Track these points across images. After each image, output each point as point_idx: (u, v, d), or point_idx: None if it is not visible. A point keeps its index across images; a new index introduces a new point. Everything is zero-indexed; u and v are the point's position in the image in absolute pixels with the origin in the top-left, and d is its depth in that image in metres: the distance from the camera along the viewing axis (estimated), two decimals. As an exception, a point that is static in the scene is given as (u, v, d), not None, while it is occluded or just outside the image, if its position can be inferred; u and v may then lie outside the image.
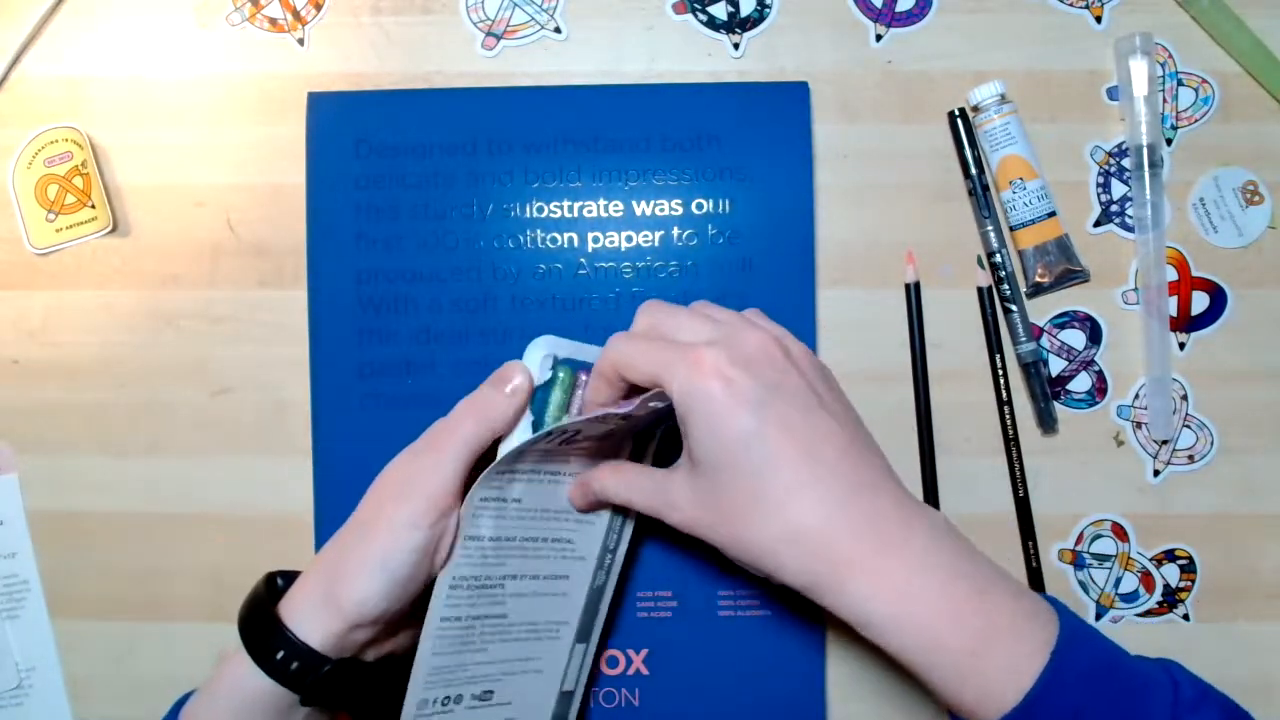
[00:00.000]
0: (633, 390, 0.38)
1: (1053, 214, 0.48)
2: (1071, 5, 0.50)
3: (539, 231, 0.48)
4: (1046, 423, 0.49)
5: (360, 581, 0.36)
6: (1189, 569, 0.49)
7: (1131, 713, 0.33)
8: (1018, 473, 0.49)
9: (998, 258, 0.49)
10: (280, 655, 0.36)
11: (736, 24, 0.50)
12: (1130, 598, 0.49)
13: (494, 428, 0.38)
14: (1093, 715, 0.32)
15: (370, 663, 0.39)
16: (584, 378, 0.41)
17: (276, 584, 0.39)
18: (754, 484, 0.33)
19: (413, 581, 0.37)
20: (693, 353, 0.34)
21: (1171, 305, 0.49)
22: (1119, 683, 0.33)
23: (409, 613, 0.39)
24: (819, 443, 0.34)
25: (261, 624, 0.37)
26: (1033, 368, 0.48)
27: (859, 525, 0.33)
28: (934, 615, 0.32)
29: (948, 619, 0.32)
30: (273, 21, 0.50)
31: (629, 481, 0.39)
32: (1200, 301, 0.49)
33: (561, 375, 0.40)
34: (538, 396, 0.40)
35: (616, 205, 0.48)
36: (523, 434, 0.39)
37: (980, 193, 0.49)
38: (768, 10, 0.50)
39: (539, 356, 0.39)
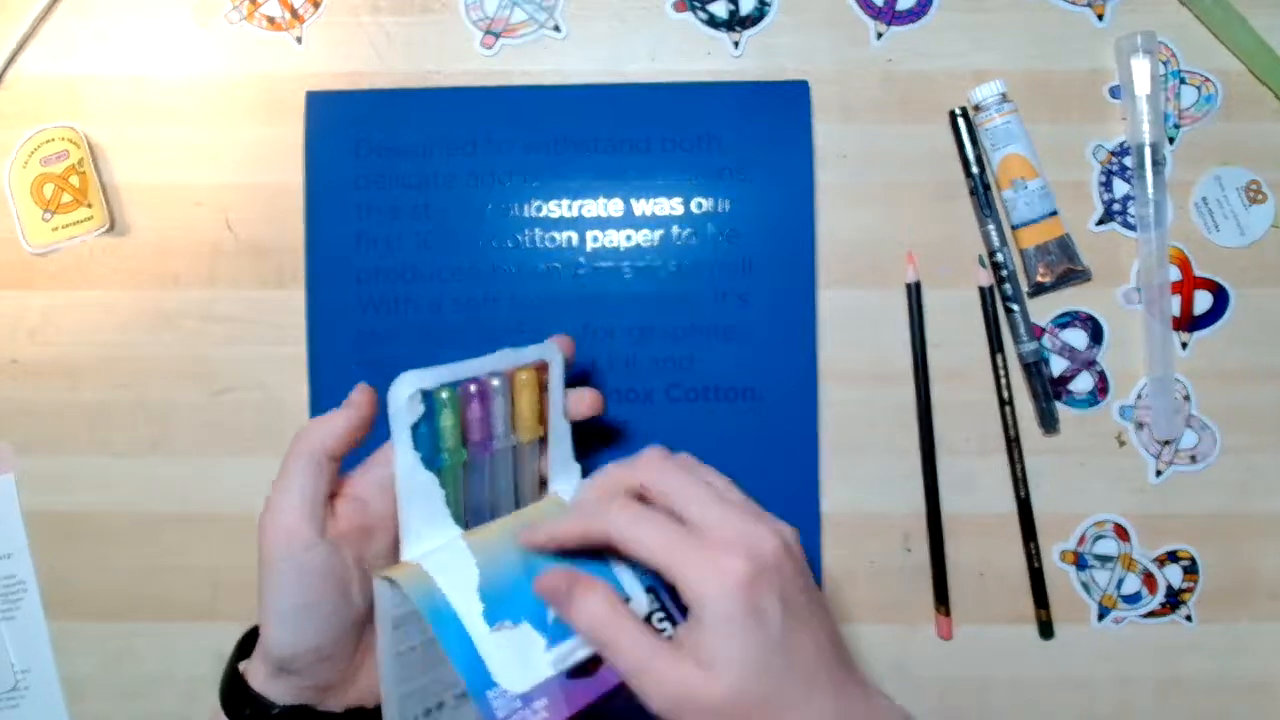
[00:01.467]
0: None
1: (1054, 213, 0.48)
2: (1073, 3, 0.49)
3: (539, 231, 0.48)
4: (1048, 423, 0.49)
5: (269, 623, 0.36)
6: (1191, 570, 0.49)
7: None
8: (1019, 473, 0.48)
9: (999, 257, 0.48)
10: (244, 710, 0.37)
11: (736, 23, 0.50)
12: (1132, 599, 0.49)
13: (325, 436, 0.37)
14: None
15: (336, 713, 0.38)
16: (474, 388, 0.38)
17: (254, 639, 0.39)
18: (767, 693, 0.33)
19: (321, 612, 0.36)
20: (720, 560, 0.33)
21: (1174, 305, 0.49)
22: None
23: (357, 650, 0.38)
24: (818, 656, 0.35)
25: (228, 678, 0.38)
26: (1034, 367, 0.48)
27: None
28: None
29: None
30: (271, 20, 0.50)
31: (620, 626, 0.35)
32: (1203, 301, 0.49)
33: (445, 395, 0.37)
34: (422, 433, 0.36)
35: (616, 205, 0.48)
36: (428, 504, 0.37)
37: (981, 192, 0.48)
38: (768, 9, 0.50)
39: (404, 396, 0.36)
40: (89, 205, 0.49)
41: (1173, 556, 0.49)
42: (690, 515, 0.35)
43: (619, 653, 0.35)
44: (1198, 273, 0.49)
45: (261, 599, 0.36)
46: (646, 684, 0.34)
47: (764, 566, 0.34)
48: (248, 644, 0.39)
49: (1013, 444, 0.48)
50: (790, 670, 0.34)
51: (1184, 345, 0.49)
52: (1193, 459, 0.49)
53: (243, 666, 0.37)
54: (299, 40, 0.50)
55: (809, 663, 0.34)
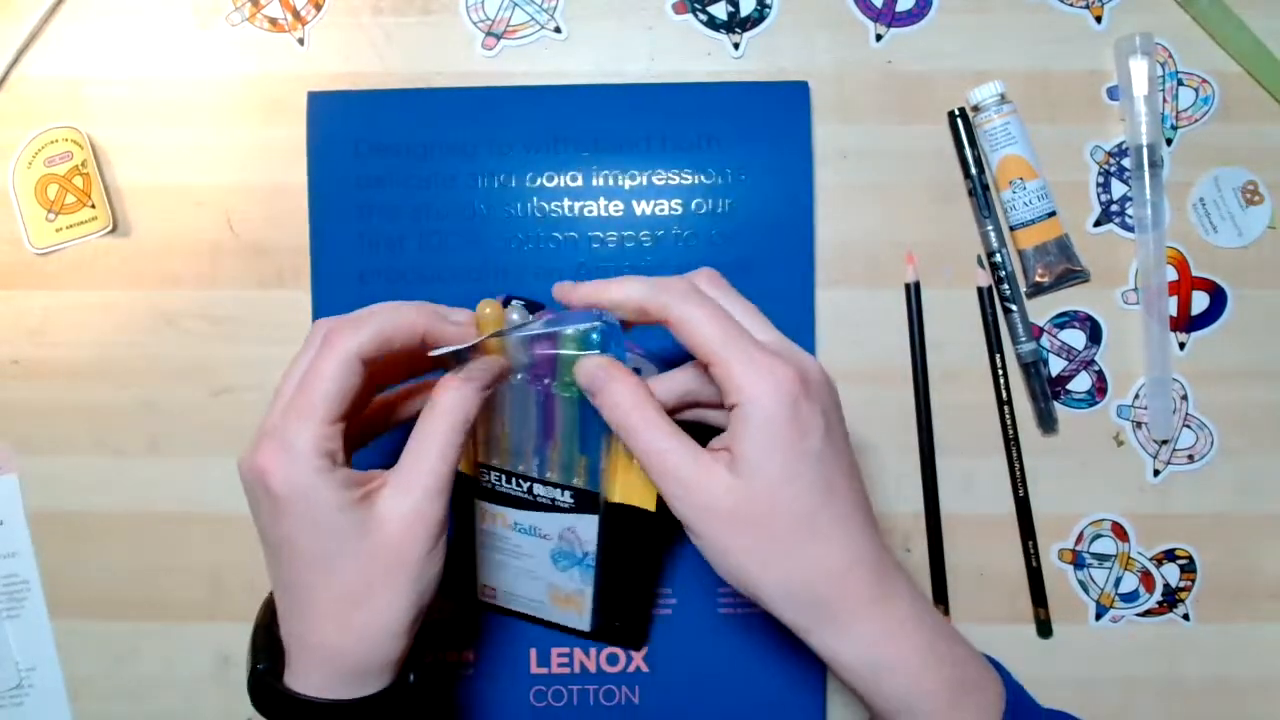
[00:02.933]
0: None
1: (1053, 214, 0.48)
2: (1072, 5, 0.50)
3: (539, 231, 0.48)
4: (1046, 423, 0.49)
5: (368, 637, 0.33)
6: (1189, 569, 0.49)
7: None
8: (1018, 473, 0.49)
9: (998, 258, 0.49)
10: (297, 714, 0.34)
11: (736, 24, 0.50)
12: (1130, 597, 0.49)
13: (469, 404, 0.36)
14: None
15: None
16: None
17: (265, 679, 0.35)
18: (801, 509, 0.33)
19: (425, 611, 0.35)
20: (774, 365, 0.33)
21: (1171, 305, 0.49)
22: None
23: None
24: (853, 480, 0.35)
25: (265, 689, 0.34)
26: (1033, 368, 0.48)
27: (876, 567, 0.34)
28: (923, 663, 0.33)
29: (933, 668, 0.34)
30: (273, 21, 0.50)
31: (642, 416, 0.35)
32: (1200, 301, 0.49)
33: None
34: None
35: (616, 205, 0.48)
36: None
37: (980, 193, 0.49)
38: (768, 10, 0.50)
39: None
40: (92, 206, 0.49)
41: (1170, 555, 0.49)
42: (745, 325, 0.35)
43: (638, 442, 0.34)
44: (1195, 273, 0.49)
45: (360, 610, 0.33)
46: (661, 478, 0.34)
47: (813, 384, 0.34)
48: (264, 637, 0.36)
49: (1011, 444, 0.49)
50: (827, 491, 0.33)
51: (1182, 345, 0.49)
52: (1190, 458, 0.49)
53: (287, 680, 0.34)
54: (301, 41, 0.50)
55: (845, 490, 0.34)
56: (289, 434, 0.33)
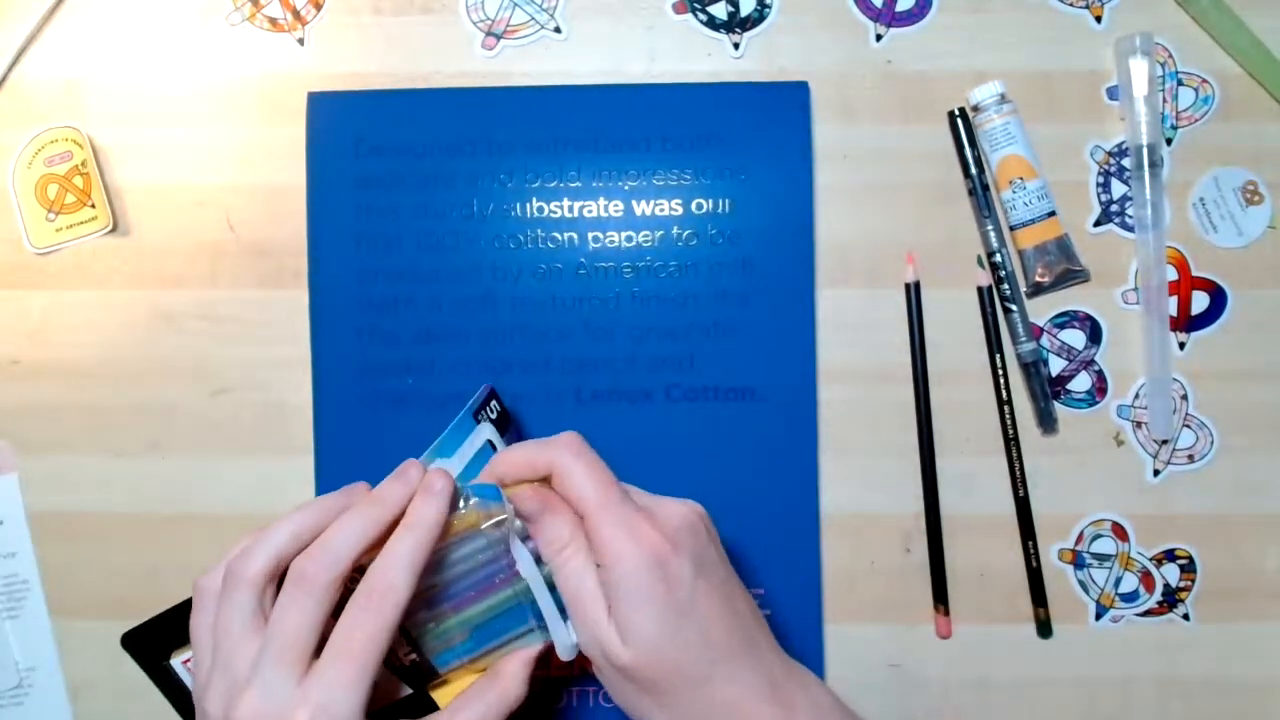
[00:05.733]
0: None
1: (1053, 214, 0.48)
2: (1071, 5, 0.50)
3: (539, 231, 0.48)
4: (1046, 423, 0.49)
5: None
6: (1189, 569, 0.49)
7: None
8: (1018, 472, 0.49)
9: (998, 257, 0.49)
10: None
11: (736, 24, 0.50)
12: (1130, 597, 0.49)
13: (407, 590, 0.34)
14: None
15: None
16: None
17: None
18: (684, 662, 0.34)
19: None
20: (644, 529, 0.34)
21: (1171, 305, 0.49)
22: None
23: None
24: (733, 609, 0.35)
25: None
26: (1033, 367, 0.48)
27: (767, 691, 0.35)
28: None
29: None
30: (273, 21, 0.50)
31: (572, 560, 0.36)
32: (1200, 301, 0.49)
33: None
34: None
35: (616, 205, 0.48)
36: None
37: (980, 193, 0.49)
38: (768, 10, 0.50)
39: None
40: (92, 206, 0.49)
41: (1170, 555, 0.49)
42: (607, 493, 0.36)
43: (563, 579, 0.36)
44: (1195, 273, 0.49)
45: None
46: (579, 624, 0.36)
47: (678, 537, 0.35)
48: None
49: (1011, 444, 0.49)
50: (705, 641, 0.34)
51: (1182, 345, 0.49)
52: (1190, 458, 0.49)
53: None
54: (301, 42, 0.50)
55: (724, 633, 0.35)
56: (332, 697, 0.32)
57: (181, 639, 0.39)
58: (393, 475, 0.36)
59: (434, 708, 0.37)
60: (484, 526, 0.36)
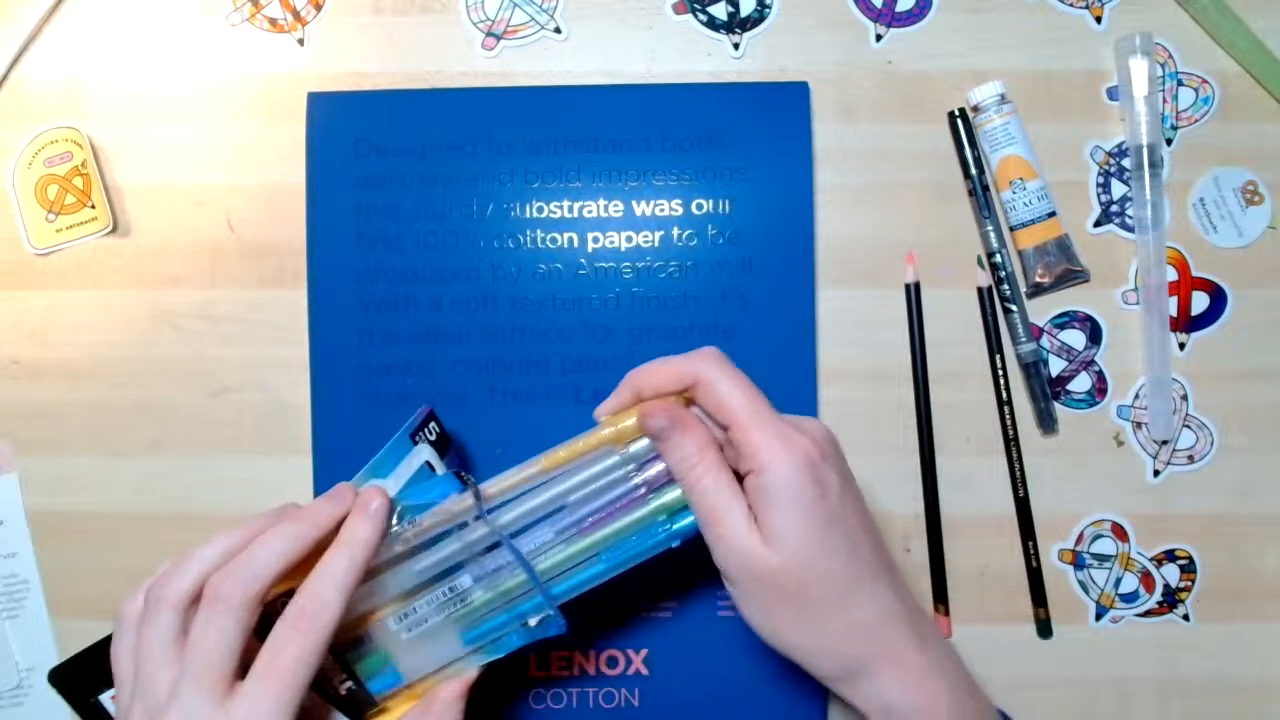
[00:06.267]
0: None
1: (1053, 214, 0.48)
2: (1071, 5, 0.50)
3: (539, 231, 0.48)
4: (1046, 423, 0.49)
5: None
6: (1189, 569, 0.49)
7: None
8: (1018, 473, 0.49)
9: (998, 258, 0.49)
10: None
11: (736, 24, 0.50)
12: (1130, 598, 0.49)
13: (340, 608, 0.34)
14: None
15: None
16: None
17: None
18: (832, 573, 0.34)
19: None
20: (794, 435, 0.34)
21: (1171, 305, 0.49)
22: None
23: None
24: (873, 536, 0.36)
25: None
26: (1033, 368, 0.48)
27: (905, 620, 0.35)
28: (950, 711, 0.34)
29: (960, 716, 0.34)
30: (273, 21, 0.50)
31: (706, 471, 0.35)
32: (1200, 301, 0.49)
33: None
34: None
35: (616, 205, 0.48)
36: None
37: (980, 193, 0.49)
38: (768, 10, 0.50)
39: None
40: (92, 206, 0.49)
41: (1170, 556, 0.49)
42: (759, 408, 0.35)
43: (698, 495, 0.35)
44: (1195, 273, 0.49)
45: None
46: (714, 538, 0.35)
47: (825, 447, 0.35)
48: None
49: (1011, 444, 0.49)
50: (852, 552, 0.34)
51: (1181, 346, 0.49)
52: (1190, 458, 0.49)
53: None
54: (301, 42, 0.50)
55: (868, 549, 0.35)
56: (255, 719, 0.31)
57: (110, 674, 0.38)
58: (325, 495, 0.36)
59: None
60: (615, 450, 0.36)
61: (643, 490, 0.37)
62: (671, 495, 0.37)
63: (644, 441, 0.37)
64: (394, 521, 0.36)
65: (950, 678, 0.35)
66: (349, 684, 0.37)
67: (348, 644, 0.37)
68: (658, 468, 0.37)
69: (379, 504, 0.35)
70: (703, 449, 0.35)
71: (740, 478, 0.35)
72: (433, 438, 0.41)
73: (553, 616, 0.37)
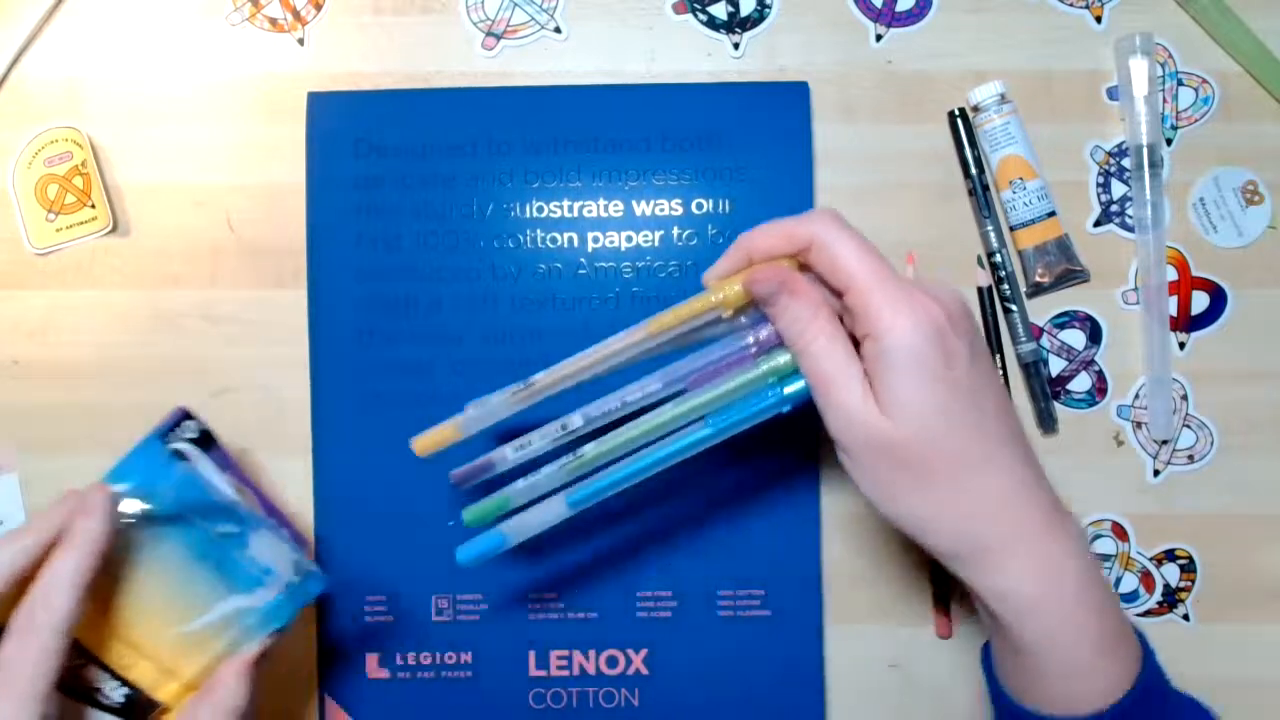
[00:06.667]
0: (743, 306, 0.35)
1: (1053, 214, 0.48)
2: (1071, 5, 0.50)
3: (539, 231, 0.48)
4: (1046, 422, 0.49)
5: None
6: (1189, 569, 0.49)
7: None
8: (1018, 473, 0.49)
9: (998, 258, 0.49)
10: None
11: (736, 24, 0.50)
12: (1130, 597, 0.49)
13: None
14: None
15: None
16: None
17: None
18: (956, 443, 0.32)
19: None
20: (919, 298, 0.32)
21: (1171, 305, 0.49)
22: (1181, 707, 0.36)
23: None
24: (1004, 408, 0.33)
25: None
26: (1033, 367, 0.48)
27: (1035, 498, 0.33)
28: (1076, 602, 0.32)
29: (1085, 608, 0.33)
30: (273, 21, 0.50)
31: (819, 332, 0.33)
32: (1200, 301, 0.49)
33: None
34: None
35: (616, 205, 0.48)
36: None
37: (980, 193, 0.49)
38: (768, 10, 0.50)
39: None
40: (92, 206, 0.49)
41: (1170, 555, 0.49)
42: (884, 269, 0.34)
43: (810, 360, 0.33)
44: (1195, 273, 0.49)
45: None
46: (826, 405, 0.33)
47: (955, 314, 0.32)
48: None
49: (1011, 444, 0.49)
50: (980, 423, 0.32)
51: (1181, 345, 0.49)
52: (1190, 458, 0.49)
53: None
54: (301, 42, 0.50)
55: (997, 420, 0.33)
56: None
57: None
58: (54, 502, 0.35)
59: None
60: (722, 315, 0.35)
61: (754, 349, 0.35)
62: (783, 358, 0.35)
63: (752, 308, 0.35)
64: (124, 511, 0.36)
65: (1082, 572, 0.33)
66: (125, 690, 0.36)
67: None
68: (769, 329, 0.35)
69: (100, 499, 0.34)
70: (815, 311, 0.33)
71: (858, 345, 0.33)
72: (194, 435, 0.40)
73: (315, 572, 0.38)
